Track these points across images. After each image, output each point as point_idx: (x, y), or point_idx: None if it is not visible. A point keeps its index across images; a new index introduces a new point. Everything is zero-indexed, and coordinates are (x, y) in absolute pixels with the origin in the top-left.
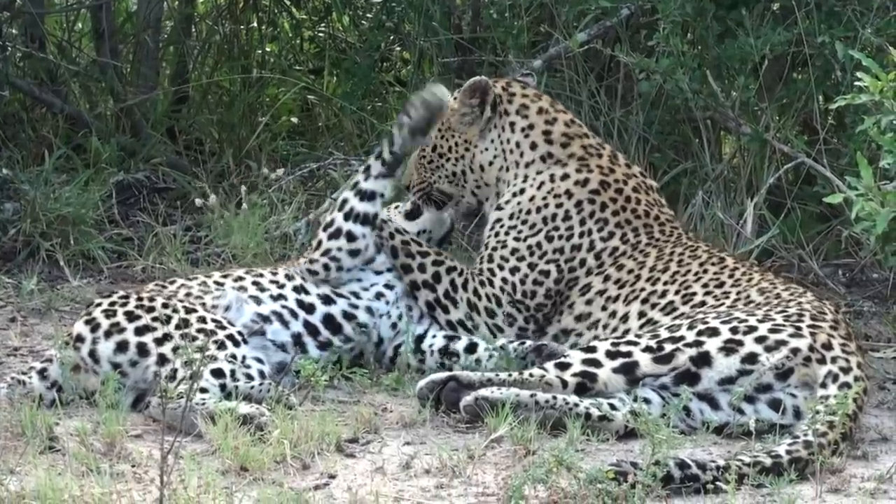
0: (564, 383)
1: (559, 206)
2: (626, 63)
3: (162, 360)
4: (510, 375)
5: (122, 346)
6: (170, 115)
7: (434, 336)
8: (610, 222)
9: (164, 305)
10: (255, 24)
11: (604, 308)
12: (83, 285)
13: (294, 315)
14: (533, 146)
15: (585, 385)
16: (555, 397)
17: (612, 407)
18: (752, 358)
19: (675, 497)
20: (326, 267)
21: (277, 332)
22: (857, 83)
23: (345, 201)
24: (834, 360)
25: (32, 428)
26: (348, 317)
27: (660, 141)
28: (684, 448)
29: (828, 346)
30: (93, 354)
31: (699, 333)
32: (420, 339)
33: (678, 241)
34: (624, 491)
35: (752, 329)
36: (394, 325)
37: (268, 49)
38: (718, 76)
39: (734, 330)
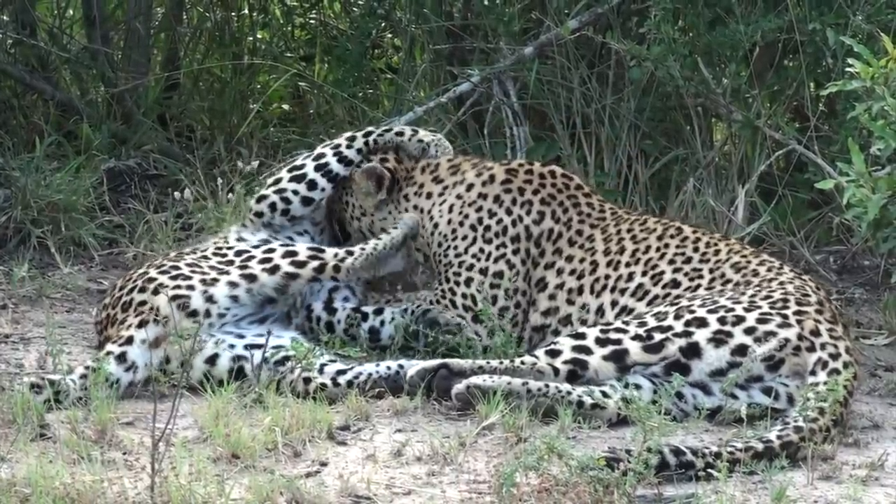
0: (556, 371)
1: (479, 209)
2: (617, 50)
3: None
4: (501, 363)
5: (232, 284)
6: (161, 102)
7: (346, 298)
8: (535, 202)
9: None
10: (247, 11)
11: (570, 302)
12: (74, 272)
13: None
14: (429, 196)
15: (577, 372)
16: (547, 385)
17: (604, 394)
18: (742, 350)
19: (666, 484)
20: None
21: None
22: (848, 70)
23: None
24: (823, 346)
25: (24, 415)
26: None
27: (651, 128)
28: (676, 435)
29: (816, 333)
30: (211, 299)
31: (687, 324)
32: (332, 294)
33: (615, 214)
34: (616, 478)
35: (740, 319)
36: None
37: (259, 36)
38: (709, 63)
39: (722, 320)
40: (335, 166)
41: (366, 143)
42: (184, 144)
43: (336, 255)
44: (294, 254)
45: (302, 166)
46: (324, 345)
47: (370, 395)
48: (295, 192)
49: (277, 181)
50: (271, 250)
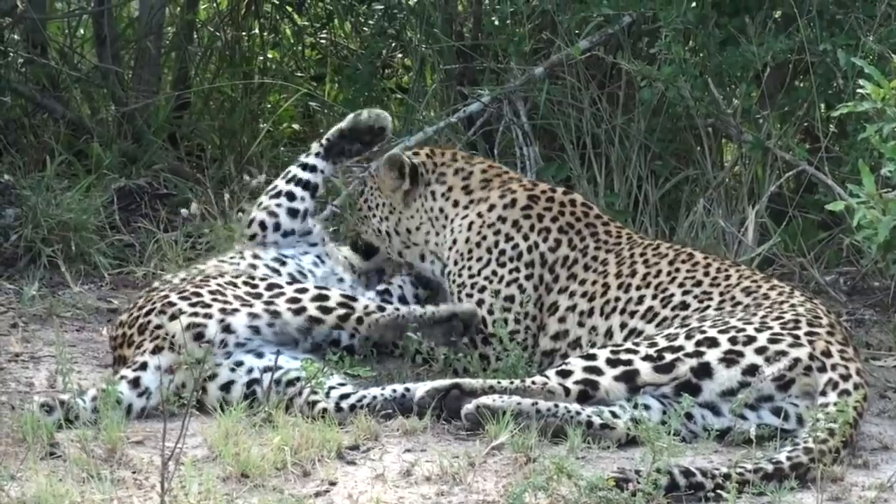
0: (567, 391)
1: (497, 232)
2: (627, 70)
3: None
4: (511, 383)
5: (253, 315)
6: (171, 122)
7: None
8: (552, 230)
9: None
10: (257, 31)
11: (580, 324)
12: (84, 291)
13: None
14: (455, 204)
15: (587, 393)
16: (556, 405)
17: (614, 415)
18: (753, 370)
19: None
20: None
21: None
22: (858, 91)
23: (288, 171)
24: (834, 367)
25: (33, 434)
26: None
27: (661, 148)
28: (685, 456)
29: (827, 354)
30: (228, 329)
31: (698, 343)
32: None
33: (631, 240)
34: (625, 499)
35: (751, 339)
36: None
37: (269, 55)
38: (720, 84)
39: (733, 340)
40: (301, 174)
41: (321, 145)
42: (194, 164)
43: (366, 307)
44: (324, 298)
45: (275, 186)
46: (334, 364)
47: (380, 416)
48: (278, 206)
49: (259, 203)
50: (303, 290)
